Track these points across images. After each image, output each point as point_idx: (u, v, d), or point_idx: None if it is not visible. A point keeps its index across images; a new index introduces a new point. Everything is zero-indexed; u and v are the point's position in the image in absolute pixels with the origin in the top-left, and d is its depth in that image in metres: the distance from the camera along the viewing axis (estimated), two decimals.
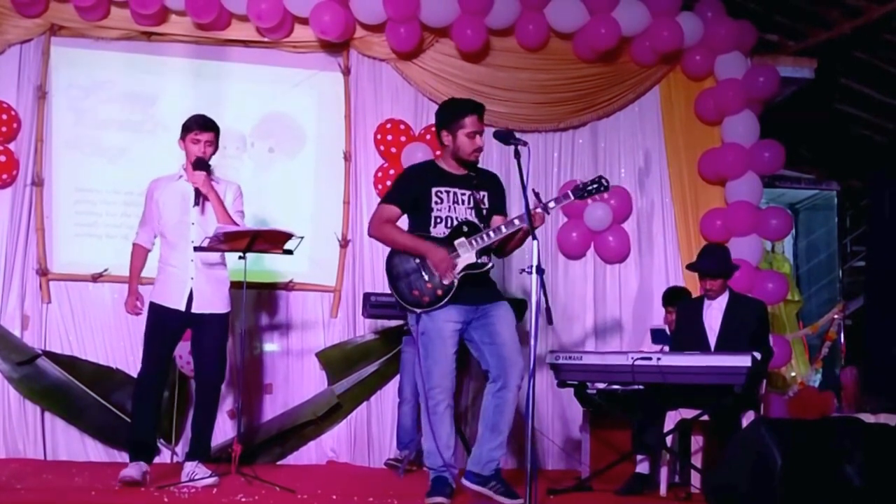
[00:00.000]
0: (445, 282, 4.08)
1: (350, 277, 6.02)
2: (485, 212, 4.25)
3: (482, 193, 4.27)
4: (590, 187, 4.25)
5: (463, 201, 4.22)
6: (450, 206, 4.20)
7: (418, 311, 4.11)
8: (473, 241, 4.12)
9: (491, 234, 4.13)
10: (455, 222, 4.17)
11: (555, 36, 6.27)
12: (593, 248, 6.37)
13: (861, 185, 8.80)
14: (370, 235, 4.38)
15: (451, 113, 4.25)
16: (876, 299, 7.52)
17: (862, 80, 7.74)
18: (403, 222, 4.34)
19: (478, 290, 4.17)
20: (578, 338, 6.31)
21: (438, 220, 4.18)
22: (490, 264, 4.18)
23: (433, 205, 4.18)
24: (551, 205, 4.20)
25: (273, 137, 6.13)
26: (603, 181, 4.26)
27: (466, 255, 4.12)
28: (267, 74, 6.13)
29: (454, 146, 4.21)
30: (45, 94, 5.79)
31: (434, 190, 4.20)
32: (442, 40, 6.16)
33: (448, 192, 4.21)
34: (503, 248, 4.28)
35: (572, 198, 4.26)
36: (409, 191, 4.24)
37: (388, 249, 5.96)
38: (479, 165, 4.38)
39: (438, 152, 4.57)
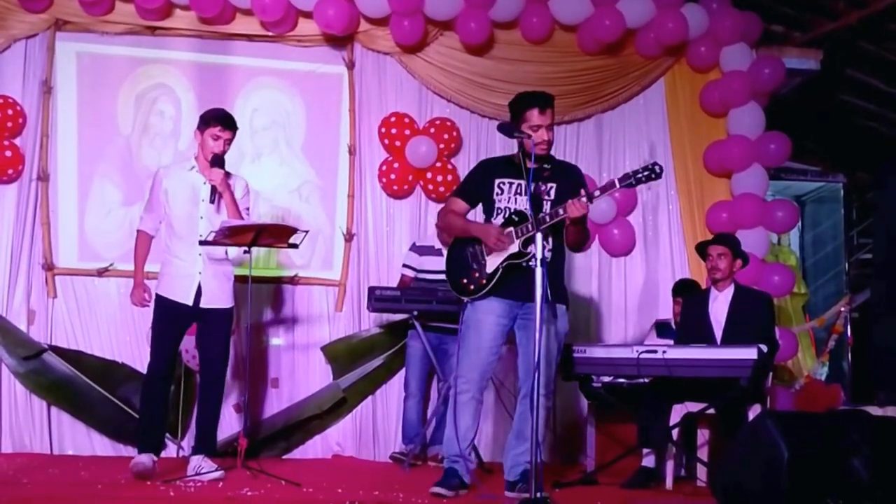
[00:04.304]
0: (488, 270, 4.06)
1: (355, 271, 6.02)
2: (545, 204, 4.08)
3: (549, 185, 4.13)
4: (640, 175, 3.83)
5: (525, 193, 4.08)
6: (510, 198, 4.14)
7: (465, 299, 4.13)
8: (519, 231, 4.00)
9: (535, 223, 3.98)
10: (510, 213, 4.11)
11: (559, 28, 6.25)
12: (598, 241, 6.36)
13: (867, 176, 8.75)
14: (436, 226, 5.05)
15: (515, 108, 4.15)
16: (880, 292, 7.47)
17: (868, 71, 7.69)
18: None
19: (524, 285, 3.87)
20: (583, 331, 6.30)
21: (499, 212, 4.16)
22: (529, 255, 3.88)
23: (495, 196, 4.17)
24: (596, 194, 3.94)
25: (277, 131, 6.13)
26: (657, 168, 3.84)
27: (511, 245, 4.02)
28: (271, 68, 6.11)
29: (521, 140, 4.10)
30: (51, 88, 5.79)
31: (497, 181, 4.17)
32: (446, 33, 6.14)
33: (511, 184, 4.14)
34: (570, 242, 4.15)
35: (618, 186, 3.89)
36: (471, 182, 4.30)
37: (392, 244, 6.07)
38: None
39: None
